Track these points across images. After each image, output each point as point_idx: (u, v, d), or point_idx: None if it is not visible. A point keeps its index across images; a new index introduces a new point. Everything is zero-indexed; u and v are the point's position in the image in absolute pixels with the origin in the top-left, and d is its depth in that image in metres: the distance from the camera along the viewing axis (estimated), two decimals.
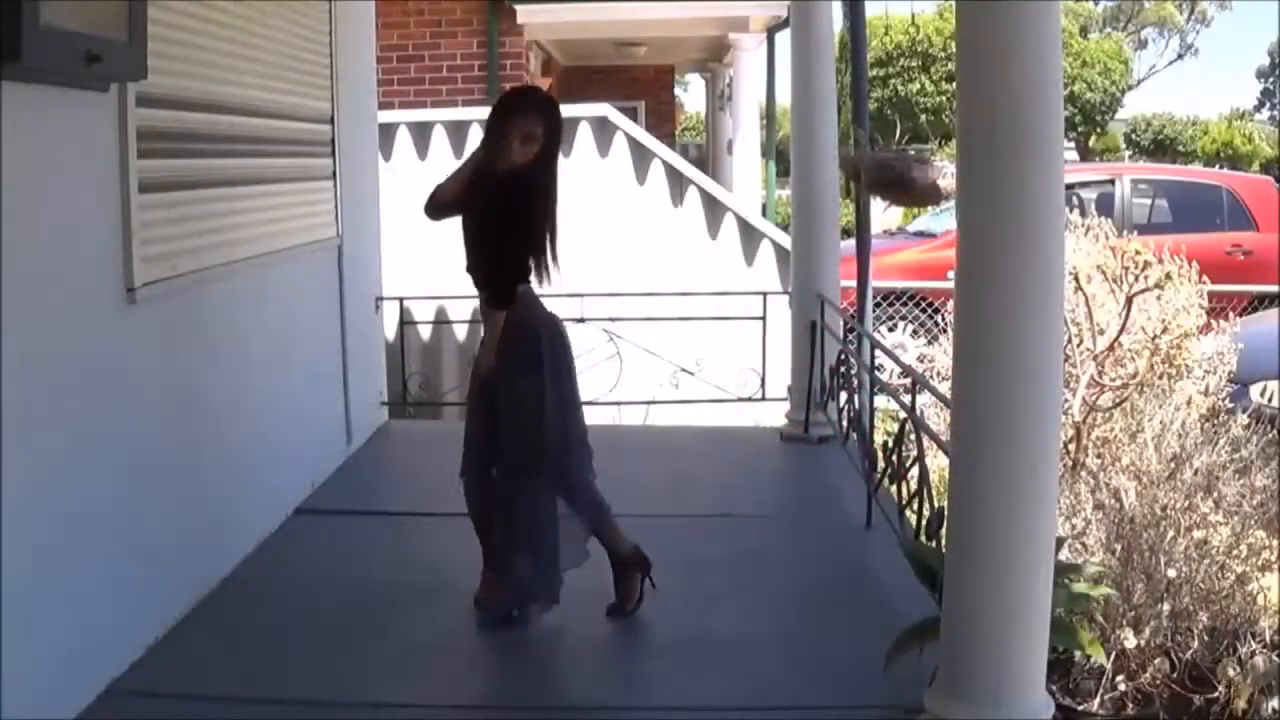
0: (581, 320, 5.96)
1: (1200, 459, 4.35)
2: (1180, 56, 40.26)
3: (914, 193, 4.62)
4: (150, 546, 3.45)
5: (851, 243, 6.57)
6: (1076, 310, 5.56)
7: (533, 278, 3.64)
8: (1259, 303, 9.03)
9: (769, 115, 15.11)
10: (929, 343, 7.74)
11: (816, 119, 5.75)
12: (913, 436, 4.06)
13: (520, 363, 3.57)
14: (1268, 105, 39.17)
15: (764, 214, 11.86)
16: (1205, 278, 5.75)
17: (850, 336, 5.69)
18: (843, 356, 5.55)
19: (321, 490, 5.06)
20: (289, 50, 4.77)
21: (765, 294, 6.65)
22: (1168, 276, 5.53)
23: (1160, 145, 31.90)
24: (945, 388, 4.24)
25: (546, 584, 3.65)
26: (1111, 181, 11.42)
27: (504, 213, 3.54)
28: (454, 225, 3.70)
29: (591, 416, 3.86)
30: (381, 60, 6.92)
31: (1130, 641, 3.96)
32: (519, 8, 10.40)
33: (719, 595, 3.95)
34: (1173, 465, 4.37)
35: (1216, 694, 3.97)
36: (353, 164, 5.63)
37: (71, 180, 3.10)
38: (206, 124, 3.94)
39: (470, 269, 3.65)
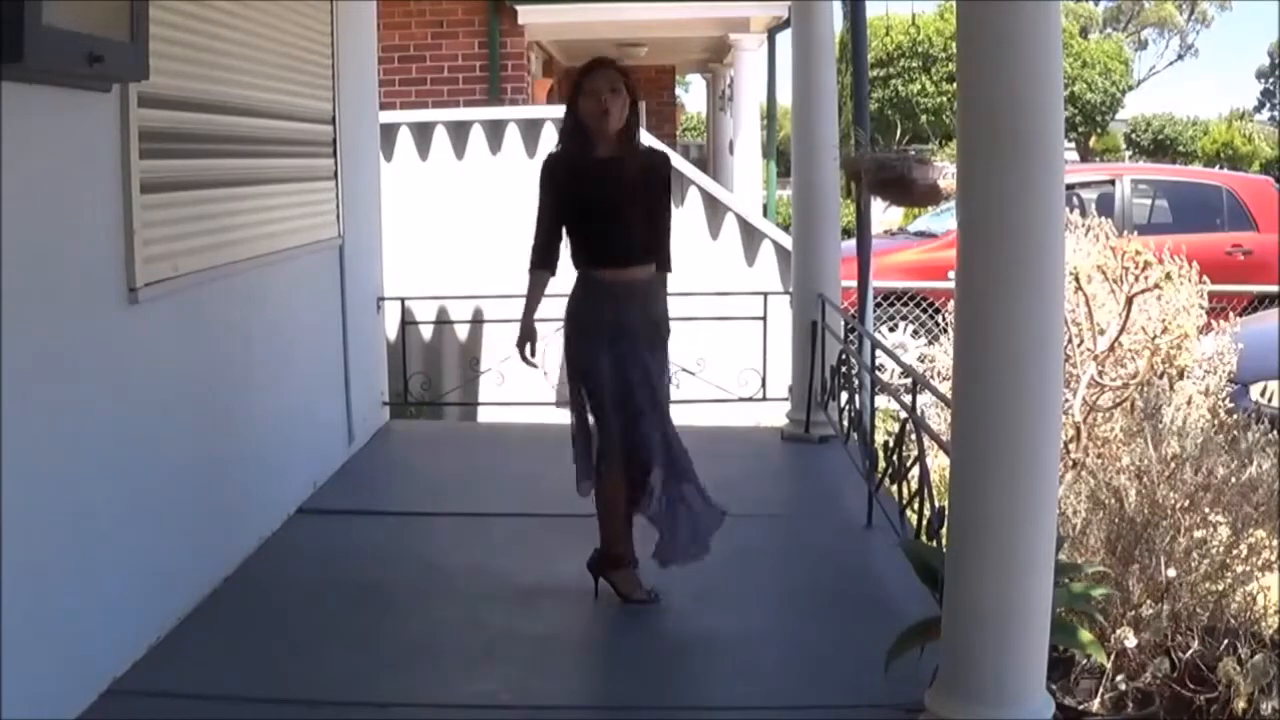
0: None
1: (1201, 459, 4.35)
2: (1180, 57, 40.32)
3: (914, 193, 4.61)
4: (151, 546, 3.45)
5: (852, 243, 6.58)
6: (1076, 310, 5.57)
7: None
8: (1259, 303, 9.03)
9: (770, 115, 15.12)
10: (929, 343, 7.74)
11: (817, 119, 5.75)
12: (913, 436, 4.07)
13: None
14: (1268, 105, 39.18)
15: (765, 214, 11.86)
16: (1205, 278, 5.75)
17: (851, 336, 5.68)
18: (843, 356, 5.55)
19: (323, 490, 5.07)
20: (290, 51, 4.78)
21: (766, 294, 6.66)
22: (1168, 276, 5.53)
23: (1160, 145, 31.89)
24: (945, 388, 4.24)
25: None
26: (1112, 182, 11.41)
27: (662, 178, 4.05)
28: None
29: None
30: (383, 61, 6.92)
31: (1130, 641, 3.96)
32: (520, 8, 10.40)
33: (719, 595, 3.95)
34: (1173, 465, 4.36)
35: (1216, 694, 3.96)
36: (354, 164, 5.63)
37: (73, 181, 3.10)
38: (208, 124, 3.95)
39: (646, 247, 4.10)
